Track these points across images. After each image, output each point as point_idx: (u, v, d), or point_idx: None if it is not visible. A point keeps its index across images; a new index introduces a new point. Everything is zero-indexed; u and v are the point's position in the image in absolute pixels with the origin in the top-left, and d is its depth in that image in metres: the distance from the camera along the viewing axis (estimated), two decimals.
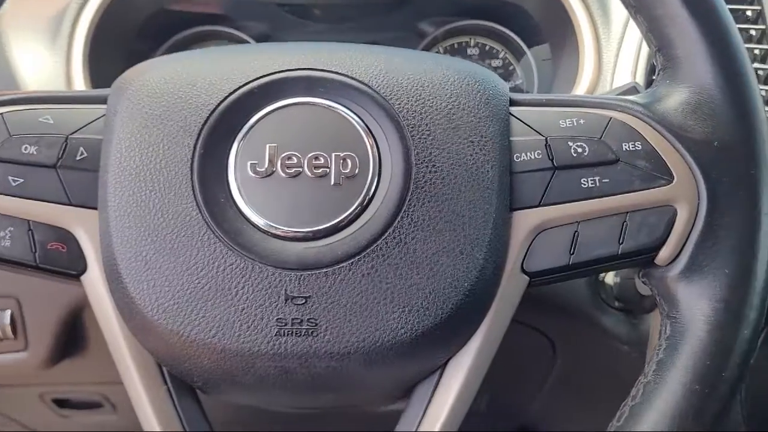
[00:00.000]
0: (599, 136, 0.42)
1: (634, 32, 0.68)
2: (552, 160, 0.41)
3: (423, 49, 0.83)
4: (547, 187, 0.41)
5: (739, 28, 0.65)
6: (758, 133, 0.41)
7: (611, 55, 0.68)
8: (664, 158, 0.41)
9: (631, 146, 0.41)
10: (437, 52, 0.85)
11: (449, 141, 0.40)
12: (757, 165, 0.40)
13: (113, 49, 0.72)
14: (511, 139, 0.42)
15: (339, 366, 0.38)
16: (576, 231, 0.41)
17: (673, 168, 0.41)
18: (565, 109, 0.43)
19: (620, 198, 0.41)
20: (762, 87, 0.63)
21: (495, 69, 0.85)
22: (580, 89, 0.68)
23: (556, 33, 0.75)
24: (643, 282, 0.43)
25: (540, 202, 0.41)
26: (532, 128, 0.43)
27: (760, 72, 0.64)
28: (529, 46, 0.82)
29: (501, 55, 0.85)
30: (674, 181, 0.41)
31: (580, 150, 0.41)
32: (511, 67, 0.85)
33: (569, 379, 0.74)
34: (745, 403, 0.65)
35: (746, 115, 0.41)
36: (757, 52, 0.64)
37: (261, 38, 0.84)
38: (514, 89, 0.85)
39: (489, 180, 0.40)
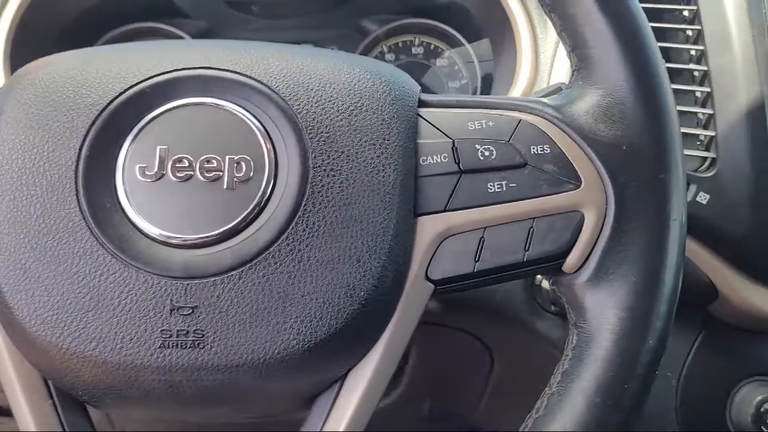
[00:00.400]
0: (507, 138, 0.40)
1: None
2: (458, 164, 0.40)
3: (365, 47, 0.82)
4: (452, 192, 0.40)
5: (676, 29, 0.65)
6: (669, 137, 0.40)
7: (548, 55, 0.67)
8: (572, 162, 0.40)
9: (539, 149, 0.40)
10: (380, 51, 0.84)
11: (349, 144, 0.39)
12: (666, 169, 0.39)
13: (38, 47, 0.69)
14: (418, 141, 0.41)
15: (228, 379, 0.36)
16: (482, 237, 0.39)
17: (581, 172, 0.40)
18: (475, 110, 0.42)
19: (527, 203, 0.39)
20: (698, 88, 0.62)
21: (440, 68, 0.84)
22: (518, 89, 0.67)
23: (495, 32, 0.73)
24: (553, 290, 0.42)
25: (445, 207, 0.40)
26: (440, 130, 0.41)
27: (696, 73, 0.63)
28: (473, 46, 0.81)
29: (446, 55, 0.84)
30: (582, 186, 0.39)
31: (487, 153, 0.40)
32: (456, 67, 0.84)
33: (509, 385, 0.73)
34: (681, 406, 0.64)
35: (656, 118, 0.40)
36: (693, 53, 0.63)
37: (199, 36, 0.82)
38: (459, 89, 0.83)
39: (390, 184, 0.39)
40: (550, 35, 0.67)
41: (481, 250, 0.39)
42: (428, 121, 0.41)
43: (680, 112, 0.63)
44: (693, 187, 0.60)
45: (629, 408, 0.37)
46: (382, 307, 0.38)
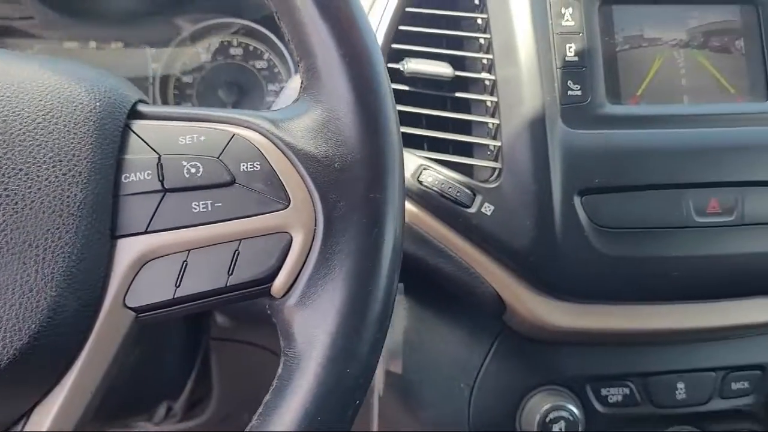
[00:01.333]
0: (217, 154, 0.38)
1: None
2: (162, 182, 0.37)
3: (176, 47, 0.78)
4: (155, 212, 0.37)
5: (470, 37, 0.64)
6: (384, 155, 0.38)
7: None
8: (282, 180, 0.38)
9: (249, 167, 0.38)
10: (195, 51, 0.80)
11: (30, 161, 0.35)
12: (380, 188, 0.38)
13: None
14: (123, 157, 0.38)
15: None
16: (185, 261, 0.37)
17: (291, 191, 0.38)
18: (190, 124, 0.39)
19: (232, 224, 0.37)
20: (488, 98, 0.62)
21: (259, 71, 0.81)
22: None
23: None
24: (269, 315, 0.40)
25: (146, 228, 0.37)
26: (148, 145, 0.38)
27: (487, 82, 0.62)
28: (286, 46, 0.78)
29: (266, 57, 0.81)
30: (290, 206, 0.37)
31: (193, 170, 0.37)
32: (276, 70, 0.81)
33: None
34: (473, 416, 0.64)
35: (372, 136, 0.38)
36: (485, 61, 0.63)
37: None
38: (279, 92, 0.81)
39: (77, 205, 0.35)
40: None
41: (182, 275, 0.37)
42: (138, 135, 0.38)
43: (474, 122, 0.63)
44: (479, 198, 0.60)
45: None
46: (64, 339, 0.35)
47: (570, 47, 0.61)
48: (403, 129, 0.63)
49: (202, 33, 0.79)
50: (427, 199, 0.61)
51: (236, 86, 0.79)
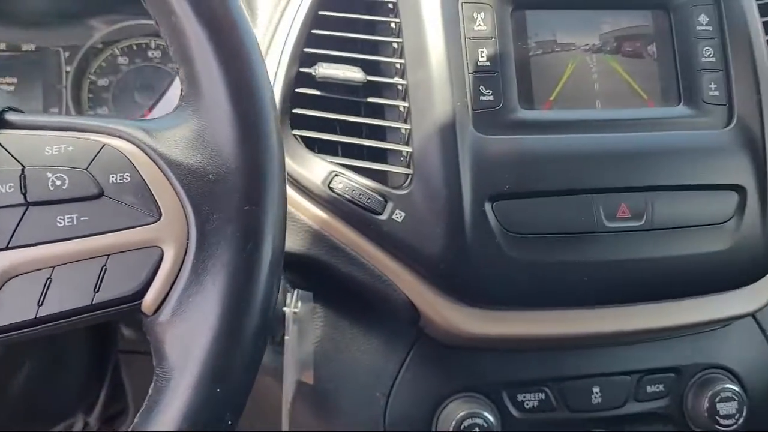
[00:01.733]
0: (85, 166, 0.36)
1: (283, 30, 0.64)
2: (25, 195, 0.36)
3: (88, 49, 0.75)
4: (17, 227, 0.35)
5: (384, 41, 0.63)
6: (261, 165, 0.37)
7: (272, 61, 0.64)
8: (153, 192, 0.36)
9: (119, 178, 0.36)
10: (111, 54, 0.78)
11: None
12: (256, 200, 0.37)
13: None
14: None
15: None
16: (49, 278, 0.35)
17: (163, 204, 0.36)
18: (60, 133, 0.38)
19: (99, 239, 0.36)
20: (401, 103, 0.61)
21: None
22: None
23: None
24: (145, 332, 0.39)
25: (8, 244, 0.35)
26: (12, 156, 0.37)
27: (400, 87, 0.61)
28: None
29: None
30: (161, 219, 0.36)
31: (59, 182, 0.36)
32: None
33: None
34: (389, 426, 0.63)
35: (249, 145, 0.37)
36: (398, 66, 0.62)
37: None
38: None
39: None
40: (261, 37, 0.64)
41: (45, 293, 0.35)
42: (1, 145, 0.37)
43: (387, 128, 0.62)
44: (390, 205, 0.59)
45: None
46: None
47: (482, 52, 0.60)
48: (317, 135, 0.62)
49: (117, 35, 0.76)
50: (338, 206, 0.60)
51: (153, 89, 0.77)
